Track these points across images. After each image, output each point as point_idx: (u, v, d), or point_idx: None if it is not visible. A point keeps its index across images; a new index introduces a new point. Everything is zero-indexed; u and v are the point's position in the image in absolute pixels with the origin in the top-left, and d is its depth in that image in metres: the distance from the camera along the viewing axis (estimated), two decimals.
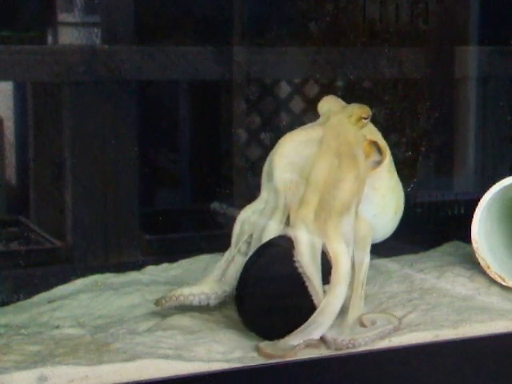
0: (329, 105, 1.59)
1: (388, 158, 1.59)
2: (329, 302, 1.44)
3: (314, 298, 1.44)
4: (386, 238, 1.64)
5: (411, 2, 2.36)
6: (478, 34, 2.53)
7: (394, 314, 1.57)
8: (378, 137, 1.60)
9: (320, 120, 1.58)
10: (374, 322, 1.51)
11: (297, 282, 1.44)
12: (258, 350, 1.44)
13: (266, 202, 1.55)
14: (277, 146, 1.56)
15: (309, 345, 1.42)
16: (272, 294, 1.47)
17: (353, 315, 1.49)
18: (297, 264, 1.44)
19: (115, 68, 2.12)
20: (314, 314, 1.44)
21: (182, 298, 1.53)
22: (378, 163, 1.58)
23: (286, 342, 1.43)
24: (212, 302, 1.54)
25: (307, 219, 1.47)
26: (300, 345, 1.41)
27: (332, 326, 1.47)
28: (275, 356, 1.41)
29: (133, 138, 2.21)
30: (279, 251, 1.48)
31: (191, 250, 2.05)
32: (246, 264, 1.50)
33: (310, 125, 1.58)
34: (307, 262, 1.44)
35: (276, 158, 1.54)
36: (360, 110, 1.56)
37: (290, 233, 1.47)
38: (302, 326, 1.43)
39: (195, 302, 1.54)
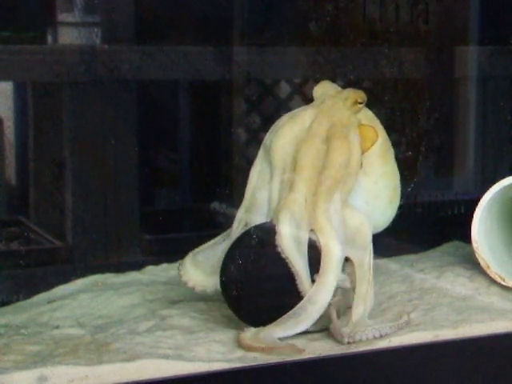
0: (324, 89, 1.58)
1: (380, 143, 1.56)
2: (316, 292, 1.43)
3: (298, 283, 1.44)
4: (383, 227, 1.62)
5: (411, 2, 2.36)
6: (478, 33, 2.53)
7: (405, 313, 1.57)
8: (374, 122, 1.59)
9: (314, 103, 1.57)
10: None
11: (279, 267, 1.44)
12: (238, 340, 1.44)
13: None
14: (276, 135, 1.53)
15: (292, 349, 1.42)
16: (253, 280, 1.46)
17: (358, 312, 1.49)
18: (279, 249, 1.44)
19: (115, 68, 2.12)
20: (300, 304, 1.43)
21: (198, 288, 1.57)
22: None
23: (269, 333, 1.43)
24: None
25: (293, 205, 1.46)
26: (283, 348, 1.41)
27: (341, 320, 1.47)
28: (255, 348, 1.41)
29: (133, 138, 2.21)
30: (260, 237, 1.47)
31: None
32: (227, 251, 1.50)
33: (303, 107, 1.57)
34: (289, 247, 1.43)
35: (275, 151, 1.52)
36: (355, 94, 1.56)
37: (274, 219, 1.47)
38: (287, 315, 1.43)
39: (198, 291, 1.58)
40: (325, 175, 1.47)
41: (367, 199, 1.56)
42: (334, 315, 1.47)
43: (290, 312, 1.43)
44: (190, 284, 1.57)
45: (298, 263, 1.43)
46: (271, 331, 1.43)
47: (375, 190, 1.57)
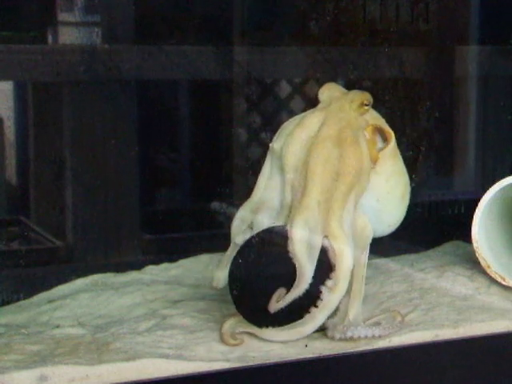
0: (329, 91, 1.58)
1: (392, 143, 1.57)
2: (330, 301, 1.44)
3: (296, 285, 1.43)
4: (397, 225, 1.62)
5: (411, 1, 2.36)
6: (478, 33, 2.53)
7: (398, 312, 1.57)
8: (381, 122, 1.59)
9: (320, 106, 1.57)
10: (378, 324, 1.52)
11: (289, 271, 1.44)
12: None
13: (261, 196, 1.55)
14: (286, 141, 1.53)
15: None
16: (261, 281, 1.47)
17: (354, 308, 1.49)
18: (290, 255, 1.44)
19: (115, 68, 2.12)
20: (315, 310, 1.44)
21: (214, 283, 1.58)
22: (382, 149, 1.56)
23: (271, 336, 1.45)
24: None
25: (307, 211, 1.46)
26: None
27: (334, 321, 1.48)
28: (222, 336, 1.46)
29: (133, 138, 2.21)
30: (271, 240, 1.47)
31: (191, 249, 2.06)
32: (237, 251, 1.50)
33: (310, 111, 1.57)
34: (301, 253, 1.43)
35: (287, 157, 1.52)
36: (361, 95, 1.55)
37: (288, 224, 1.47)
38: (296, 323, 1.44)
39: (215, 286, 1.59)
40: (340, 181, 1.47)
41: (378, 197, 1.56)
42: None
43: (300, 321, 1.45)
44: (214, 282, 1.58)
45: (307, 270, 1.44)
46: (275, 335, 1.45)
47: (387, 188, 1.57)
